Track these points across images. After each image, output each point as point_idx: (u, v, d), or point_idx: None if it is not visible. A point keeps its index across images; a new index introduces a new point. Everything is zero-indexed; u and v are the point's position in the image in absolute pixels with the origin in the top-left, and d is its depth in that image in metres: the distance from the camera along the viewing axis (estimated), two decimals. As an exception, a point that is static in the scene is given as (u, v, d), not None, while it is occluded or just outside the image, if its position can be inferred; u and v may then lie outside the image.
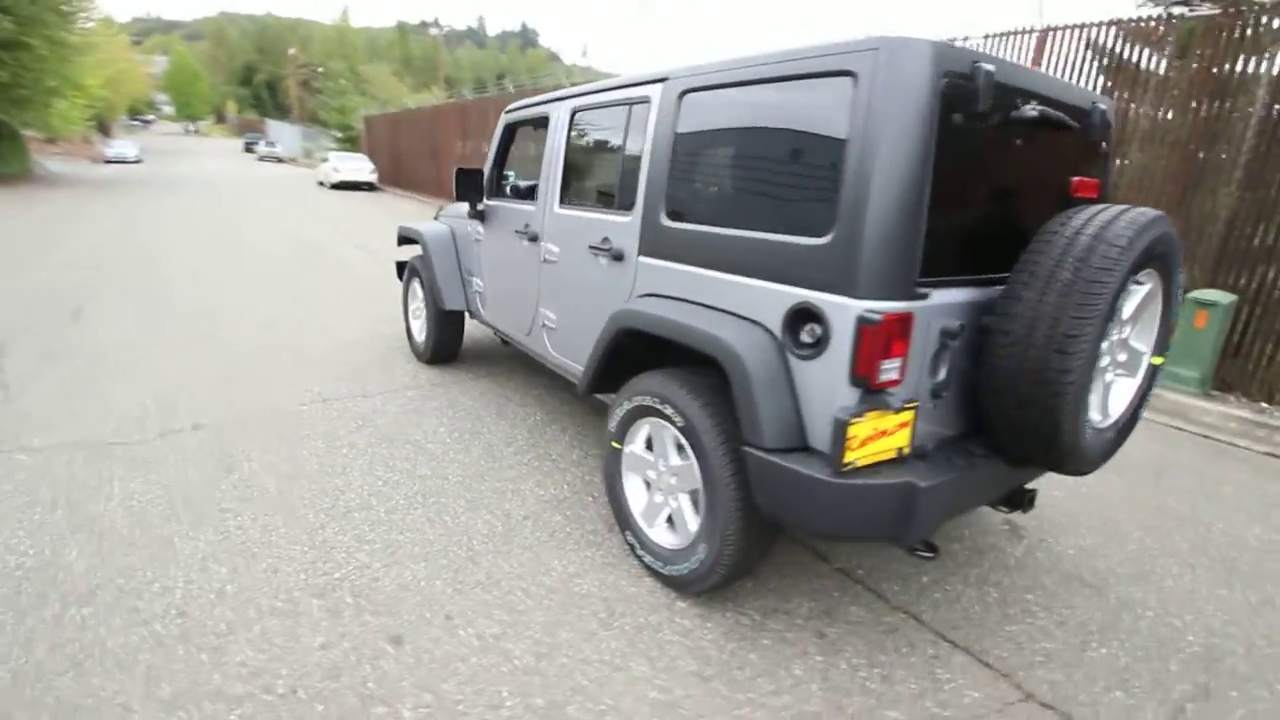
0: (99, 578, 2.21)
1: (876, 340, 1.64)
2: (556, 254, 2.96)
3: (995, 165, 1.95)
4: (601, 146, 2.83)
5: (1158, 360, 2.09)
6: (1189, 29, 5.22)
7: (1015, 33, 6.22)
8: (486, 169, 3.64)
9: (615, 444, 2.50)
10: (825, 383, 1.77)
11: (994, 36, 6.41)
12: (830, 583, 2.45)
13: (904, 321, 1.67)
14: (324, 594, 2.20)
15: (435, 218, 4.91)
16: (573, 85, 3.13)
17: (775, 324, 1.88)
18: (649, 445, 2.41)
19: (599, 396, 2.79)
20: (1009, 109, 1.85)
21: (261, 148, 43.06)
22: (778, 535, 2.21)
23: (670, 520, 2.34)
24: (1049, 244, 1.75)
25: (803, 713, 1.84)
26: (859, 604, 2.34)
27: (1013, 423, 1.82)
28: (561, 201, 2.94)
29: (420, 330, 4.69)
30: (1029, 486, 2.28)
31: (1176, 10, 6.01)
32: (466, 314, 4.25)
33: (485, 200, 3.67)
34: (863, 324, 1.66)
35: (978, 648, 2.15)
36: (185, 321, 5.49)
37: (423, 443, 3.43)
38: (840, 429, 1.67)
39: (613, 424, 2.48)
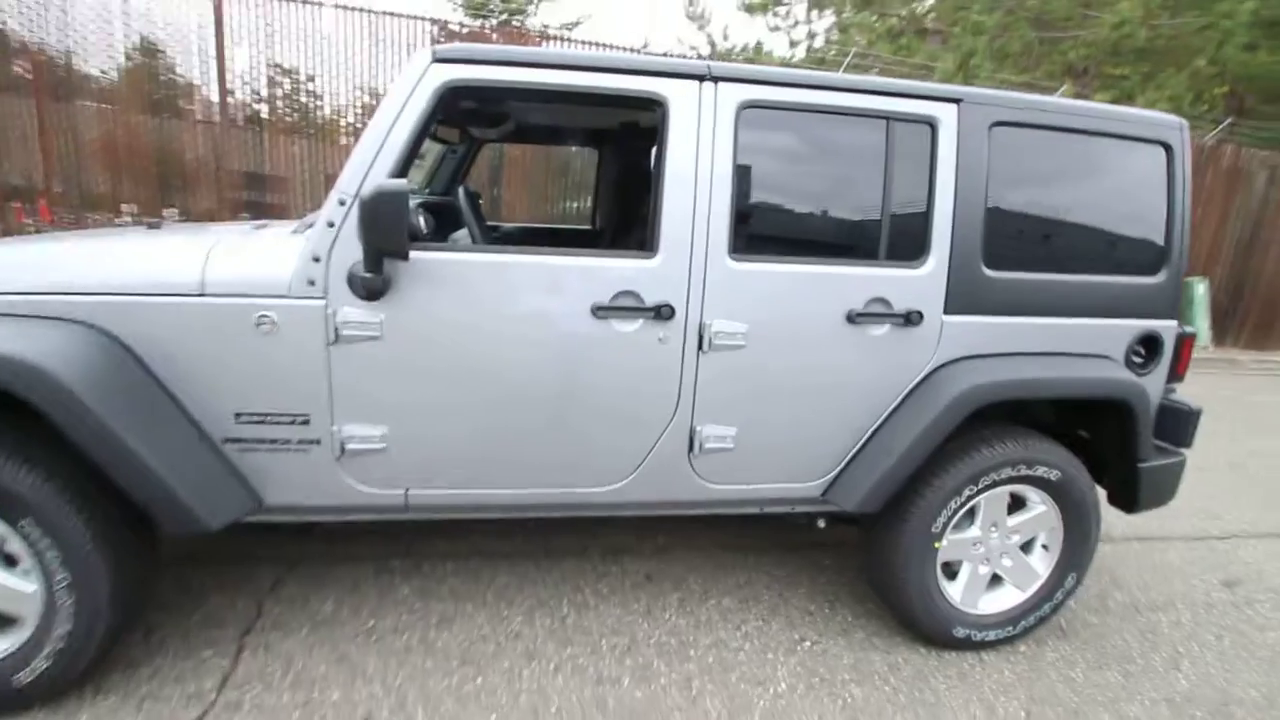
0: None
1: (1191, 346, 2.24)
2: (744, 334, 1.84)
3: None
4: (825, 169, 1.89)
5: None
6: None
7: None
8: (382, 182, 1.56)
9: (937, 544, 2.06)
10: (1152, 387, 2.22)
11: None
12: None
13: None
14: None
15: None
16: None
17: (1117, 352, 2.14)
18: (953, 526, 2.13)
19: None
20: None
21: None
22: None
23: (991, 583, 2.22)
24: None
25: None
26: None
27: None
28: (735, 251, 1.80)
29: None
30: None
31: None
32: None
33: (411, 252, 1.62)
34: (1186, 337, 2.21)
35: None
36: None
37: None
38: (1197, 418, 2.21)
39: (937, 523, 2.03)
